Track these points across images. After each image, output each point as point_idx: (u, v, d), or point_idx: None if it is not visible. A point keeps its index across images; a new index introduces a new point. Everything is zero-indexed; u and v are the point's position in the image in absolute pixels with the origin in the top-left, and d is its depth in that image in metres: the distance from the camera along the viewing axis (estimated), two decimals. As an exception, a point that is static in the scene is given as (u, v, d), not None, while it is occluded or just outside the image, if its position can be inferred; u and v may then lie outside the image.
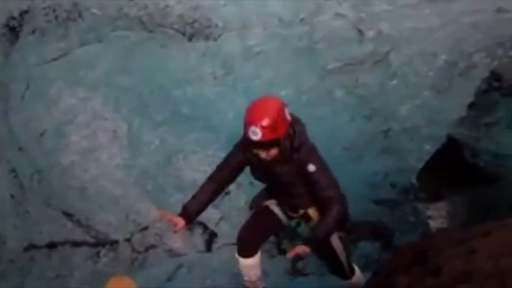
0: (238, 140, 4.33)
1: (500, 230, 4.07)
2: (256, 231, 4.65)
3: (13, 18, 6.62)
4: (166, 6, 6.35)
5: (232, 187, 5.59)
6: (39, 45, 6.57)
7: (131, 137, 6.46)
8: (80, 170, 6.49)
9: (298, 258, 5.14)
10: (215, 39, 6.31)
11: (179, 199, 5.78)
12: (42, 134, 6.56)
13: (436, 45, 5.73)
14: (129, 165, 6.45)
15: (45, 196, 6.67)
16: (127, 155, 6.48)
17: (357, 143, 5.85)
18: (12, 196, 6.81)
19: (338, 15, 5.93)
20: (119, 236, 6.59)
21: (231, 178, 4.47)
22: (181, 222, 4.34)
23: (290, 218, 4.64)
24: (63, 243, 6.71)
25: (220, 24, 6.25)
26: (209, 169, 4.68)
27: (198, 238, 6.35)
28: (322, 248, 4.53)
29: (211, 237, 6.34)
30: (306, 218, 4.54)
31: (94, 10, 6.46)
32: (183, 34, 6.38)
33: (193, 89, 6.32)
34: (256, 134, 4.00)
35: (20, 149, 6.71)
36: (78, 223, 6.66)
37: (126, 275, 6.29)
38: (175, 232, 4.53)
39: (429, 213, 5.27)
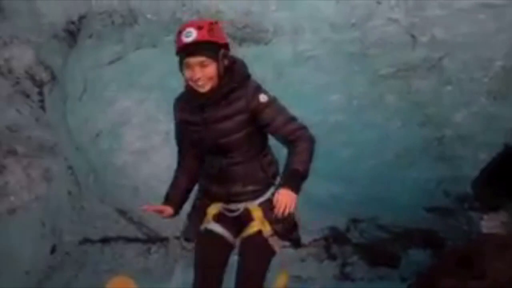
0: None
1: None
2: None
3: (72, 22, 6.48)
4: (218, 11, 6.04)
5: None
6: (96, 49, 6.44)
7: (183, 139, 6.13)
8: (133, 170, 6.30)
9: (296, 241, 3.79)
10: (266, 44, 5.99)
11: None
12: (97, 135, 6.41)
13: (492, 51, 5.27)
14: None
15: (100, 193, 6.49)
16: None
17: (409, 150, 5.44)
18: (69, 193, 6.63)
19: (391, 20, 5.52)
20: (169, 234, 6.30)
21: (195, 155, 3.58)
22: (168, 209, 3.57)
23: (233, 229, 3.55)
24: (116, 239, 6.50)
25: (271, 29, 5.94)
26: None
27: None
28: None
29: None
30: (247, 217, 3.49)
31: (148, 16, 6.27)
32: (234, 38, 6.01)
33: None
34: (190, 34, 3.22)
35: (77, 148, 6.53)
36: (131, 220, 6.44)
37: (175, 272, 6.16)
38: (164, 217, 3.64)
39: (483, 223, 4.75)
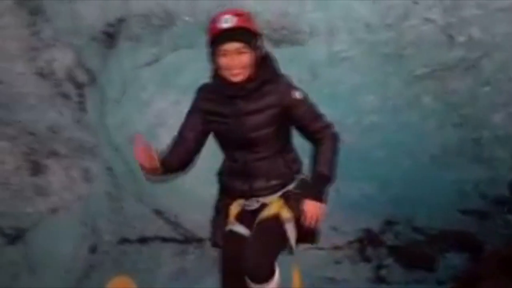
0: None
1: None
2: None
3: (111, 25, 6.59)
4: (254, 13, 5.98)
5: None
6: (134, 51, 6.55)
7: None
8: (171, 171, 6.26)
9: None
10: (302, 45, 5.96)
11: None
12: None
13: (531, 51, 5.12)
14: (216, 167, 6.17)
15: (138, 194, 6.59)
16: (215, 157, 6.20)
17: (445, 151, 5.39)
18: (109, 193, 6.80)
19: (427, 20, 5.47)
20: (205, 235, 6.30)
21: (189, 150, 3.51)
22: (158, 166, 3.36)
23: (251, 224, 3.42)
24: (153, 239, 6.62)
25: (307, 30, 5.88)
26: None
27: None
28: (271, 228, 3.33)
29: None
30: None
31: (186, 18, 6.33)
32: (271, 40, 6.01)
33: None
34: (229, 20, 3.18)
35: (116, 149, 6.67)
36: (167, 220, 6.55)
37: (211, 272, 6.23)
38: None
39: (522, 226, 4.71)
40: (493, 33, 5.29)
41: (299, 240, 3.42)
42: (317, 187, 3.30)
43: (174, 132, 6.23)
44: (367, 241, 5.61)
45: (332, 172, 3.31)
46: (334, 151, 3.34)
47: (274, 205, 3.37)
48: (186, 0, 6.22)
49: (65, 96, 6.81)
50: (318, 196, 3.27)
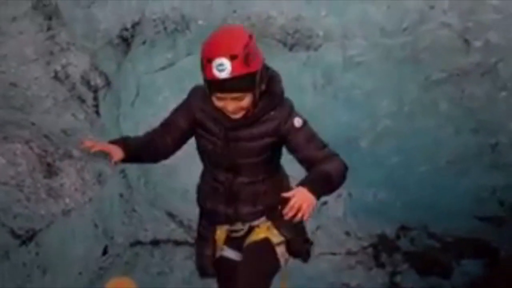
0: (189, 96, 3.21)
1: None
2: None
3: (126, 29, 6.55)
4: (269, 17, 6.03)
5: (330, 197, 5.09)
6: (149, 55, 6.43)
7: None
8: (183, 173, 6.22)
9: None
10: (315, 49, 5.90)
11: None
12: (149, 139, 6.37)
13: (549, 56, 5.03)
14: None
15: (151, 196, 6.57)
16: (227, 161, 6.17)
17: (462, 157, 5.35)
18: (121, 195, 6.74)
19: (444, 24, 5.42)
20: None
21: (169, 144, 3.30)
22: (118, 152, 3.07)
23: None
24: (165, 242, 6.59)
25: (321, 34, 5.84)
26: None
27: (295, 246, 5.94)
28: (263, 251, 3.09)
29: (307, 246, 5.89)
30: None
31: (200, 22, 6.26)
32: (284, 44, 5.98)
33: (293, 99, 5.84)
34: (223, 68, 2.75)
35: None
36: (180, 223, 6.51)
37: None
38: (114, 163, 3.18)
39: (540, 233, 4.62)
40: (510, 38, 5.25)
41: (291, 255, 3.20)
42: (315, 179, 2.85)
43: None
44: (381, 247, 5.56)
45: (337, 182, 2.91)
46: (342, 171, 2.95)
47: (262, 228, 3.12)
48: (201, 4, 6.13)
49: (80, 99, 6.77)
50: (314, 188, 2.77)
